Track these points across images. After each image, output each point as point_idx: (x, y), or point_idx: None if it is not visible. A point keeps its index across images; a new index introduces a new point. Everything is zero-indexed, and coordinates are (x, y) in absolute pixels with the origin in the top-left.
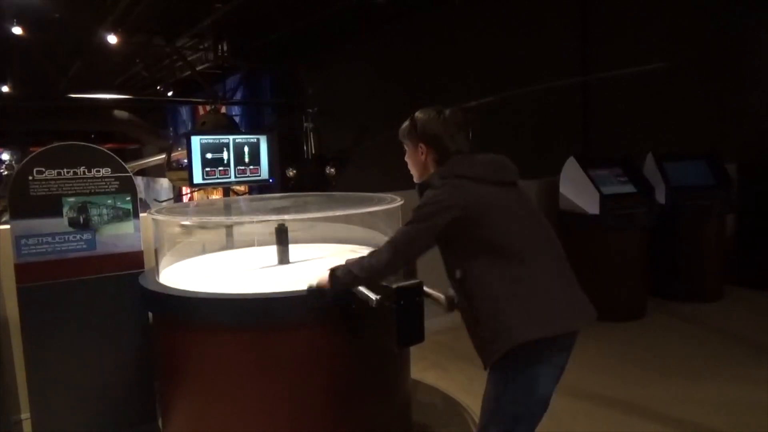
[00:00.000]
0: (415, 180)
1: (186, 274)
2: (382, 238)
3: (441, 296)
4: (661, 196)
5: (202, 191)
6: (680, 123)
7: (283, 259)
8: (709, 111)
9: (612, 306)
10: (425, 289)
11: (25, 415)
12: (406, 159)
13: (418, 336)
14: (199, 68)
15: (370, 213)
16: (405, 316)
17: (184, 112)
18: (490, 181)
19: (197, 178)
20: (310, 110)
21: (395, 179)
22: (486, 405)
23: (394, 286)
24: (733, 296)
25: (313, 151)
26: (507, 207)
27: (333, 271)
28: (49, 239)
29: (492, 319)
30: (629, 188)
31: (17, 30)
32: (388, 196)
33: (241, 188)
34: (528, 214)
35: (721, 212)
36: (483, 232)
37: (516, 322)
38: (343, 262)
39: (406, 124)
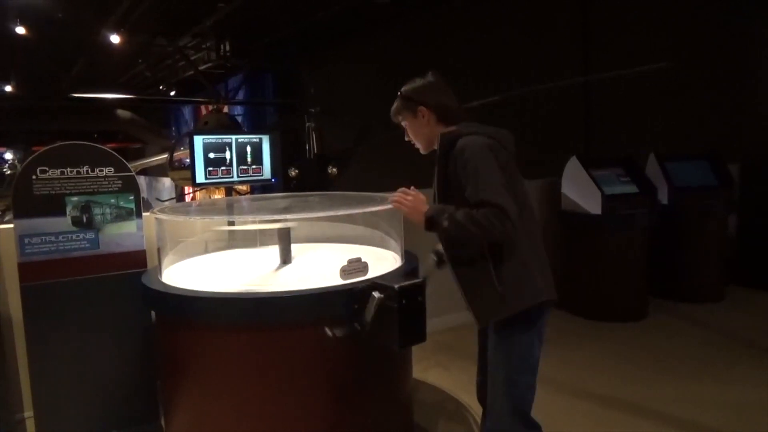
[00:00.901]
0: (424, 150)
1: (189, 273)
2: (385, 238)
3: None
4: (663, 197)
5: (204, 191)
6: (682, 123)
7: (286, 258)
8: (711, 111)
9: (613, 306)
10: None
11: (28, 414)
12: (408, 134)
13: (419, 336)
14: (201, 68)
15: (372, 213)
16: (406, 315)
17: (187, 111)
18: (507, 148)
19: (200, 177)
20: (312, 110)
21: (397, 179)
22: (497, 362)
23: (396, 286)
24: (734, 297)
25: (315, 151)
26: (519, 175)
27: (438, 212)
28: (53, 238)
29: (516, 277)
30: (631, 188)
31: (20, 29)
32: (391, 195)
33: (244, 188)
34: (524, 188)
35: (723, 213)
36: (513, 188)
37: (540, 282)
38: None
39: (396, 102)
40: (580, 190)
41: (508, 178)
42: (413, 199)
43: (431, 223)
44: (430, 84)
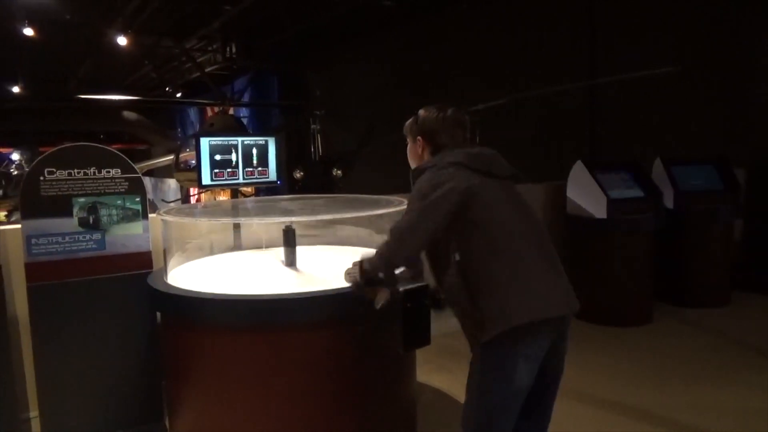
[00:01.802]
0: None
1: (194, 274)
2: None
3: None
4: (669, 201)
5: (209, 192)
6: (689, 127)
7: (291, 260)
8: (717, 115)
9: (619, 311)
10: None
11: (33, 413)
12: (407, 152)
13: (424, 339)
14: (207, 70)
15: (377, 215)
16: (411, 318)
17: (192, 113)
18: (481, 171)
19: (206, 179)
20: (317, 112)
21: (402, 181)
22: (468, 391)
23: (401, 288)
24: (740, 302)
25: (320, 153)
26: (498, 195)
27: (361, 264)
28: (59, 239)
29: (490, 300)
30: (637, 192)
31: (28, 31)
32: (396, 198)
33: (248, 190)
34: (517, 205)
35: (729, 217)
36: (480, 214)
37: (514, 305)
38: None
39: (410, 120)
40: (586, 194)
41: (481, 207)
42: (347, 273)
43: (366, 275)
44: (442, 118)
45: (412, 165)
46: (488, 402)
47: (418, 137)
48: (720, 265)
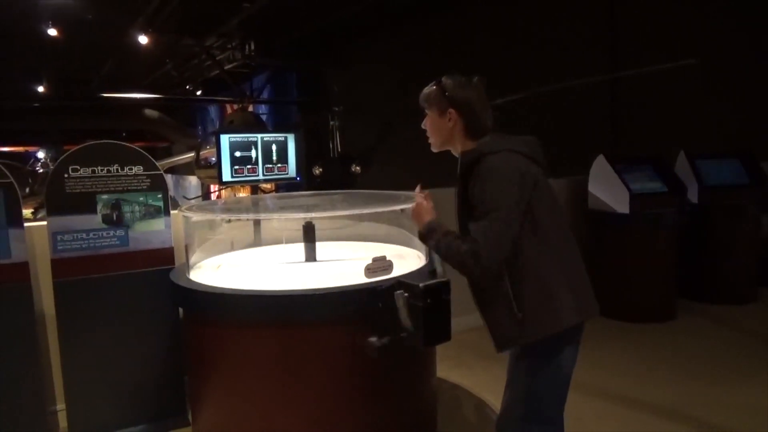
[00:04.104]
0: (434, 148)
1: (215, 270)
2: (409, 236)
3: None
4: (693, 196)
5: (229, 189)
6: (713, 120)
7: (311, 256)
8: (743, 108)
9: (641, 307)
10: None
11: (60, 406)
12: (426, 126)
13: (444, 335)
14: (226, 67)
15: (396, 211)
16: (432, 314)
17: (212, 110)
18: (536, 160)
19: (226, 175)
20: (336, 108)
21: (420, 177)
22: (515, 395)
23: (421, 284)
24: (766, 299)
25: (339, 149)
26: (548, 189)
27: (431, 230)
28: (84, 235)
29: (537, 301)
30: (660, 187)
31: (52, 31)
32: (414, 193)
33: (268, 186)
34: (553, 199)
35: (755, 212)
36: (535, 210)
37: (567, 304)
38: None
39: (431, 88)
40: (608, 188)
41: (538, 199)
42: (419, 206)
43: (423, 238)
44: (473, 90)
45: (436, 140)
46: (537, 395)
47: (450, 109)
48: (745, 260)
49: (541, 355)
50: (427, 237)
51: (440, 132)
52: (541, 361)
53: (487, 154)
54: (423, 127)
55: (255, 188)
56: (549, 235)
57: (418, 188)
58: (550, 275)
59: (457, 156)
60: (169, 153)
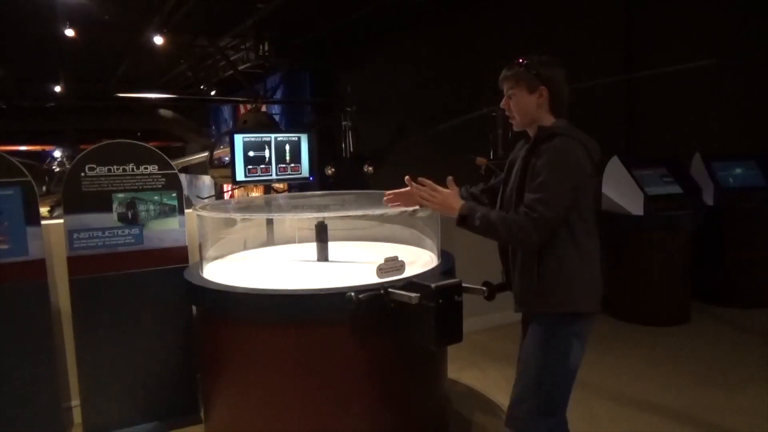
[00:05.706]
0: (518, 126)
1: (229, 269)
2: (421, 237)
3: (480, 287)
4: (708, 198)
5: (242, 188)
6: (729, 121)
7: (323, 256)
8: (760, 109)
9: (655, 310)
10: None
11: (75, 402)
12: (507, 104)
13: (456, 335)
14: (240, 68)
15: (408, 212)
16: (443, 315)
17: (226, 110)
18: (593, 159)
19: (240, 175)
20: (349, 109)
21: (433, 178)
22: (526, 384)
23: (433, 285)
24: None
25: (352, 150)
26: (593, 188)
27: (470, 209)
28: (100, 233)
29: (559, 278)
30: (675, 189)
31: (69, 32)
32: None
33: (281, 186)
34: (595, 201)
35: None
36: (583, 197)
37: (583, 292)
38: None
39: (518, 68)
40: (622, 190)
41: (584, 195)
42: (442, 196)
43: (463, 220)
44: (558, 68)
45: (521, 119)
46: (547, 382)
47: (542, 87)
48: (761, 263)
49: (553, 336)
50: (468, 218)
51: (527, 110)
52: (560, 329)
53: (560, 135)
54: (502, 107)
55: (268, 188)
56: (582, 227)
57: (407, 179)
58: (574, 265)
59: (531, 135)
60: (183, 153)
